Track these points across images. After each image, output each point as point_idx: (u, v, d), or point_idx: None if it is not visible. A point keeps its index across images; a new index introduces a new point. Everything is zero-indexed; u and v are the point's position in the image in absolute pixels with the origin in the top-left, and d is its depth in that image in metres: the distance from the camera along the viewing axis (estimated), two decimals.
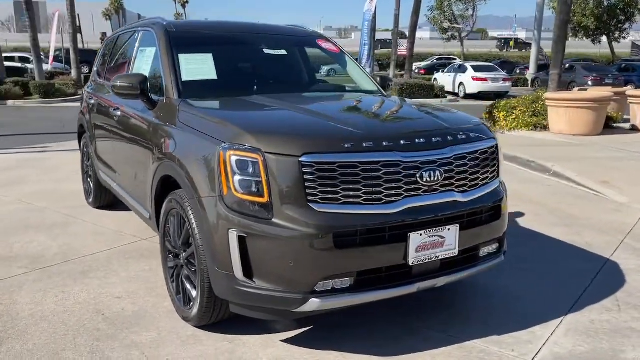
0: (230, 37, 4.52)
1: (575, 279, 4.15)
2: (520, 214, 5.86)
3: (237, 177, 2.80)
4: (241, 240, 2.78)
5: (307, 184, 2.74)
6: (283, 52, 4.58)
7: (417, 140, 3.00)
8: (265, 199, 2.76)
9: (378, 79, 4.84)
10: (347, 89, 4.55)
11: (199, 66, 4.03)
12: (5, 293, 3.80)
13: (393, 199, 2.87)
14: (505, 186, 3.58)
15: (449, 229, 3.02)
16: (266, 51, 4.47)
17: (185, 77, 3.87)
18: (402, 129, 3.24)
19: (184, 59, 3.98)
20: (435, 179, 2.96)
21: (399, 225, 2.88)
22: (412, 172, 2.90)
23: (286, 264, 2.76)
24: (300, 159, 2.74)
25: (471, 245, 3.22)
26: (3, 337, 3.21)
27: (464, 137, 3.20)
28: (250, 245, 2.78)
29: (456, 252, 3.08)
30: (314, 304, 2.79)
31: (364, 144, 2.86)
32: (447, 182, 3.03)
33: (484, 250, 3.35)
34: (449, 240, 3.03)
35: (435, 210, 2.99)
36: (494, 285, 4.00)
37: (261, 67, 4.50)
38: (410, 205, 2.89)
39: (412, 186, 2.91)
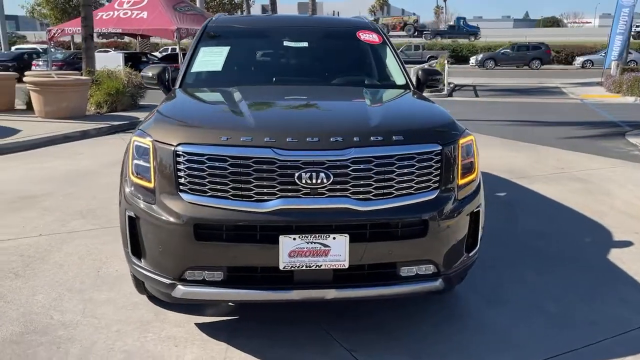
0: (259, 30, 4.66)
1: None
2: None
3: (135, 162, 3.00)
4: (131, 221, 2.98)
5: (178, 174, 2.81)
6: (304, 44, 4.54)
7: (308, 139, 2.80)
8: (152, 185, 2.91)
9: (420, 72, 4.46)
10: (366, 82, 4.31)
11: (213, 58, 4.29)
12: None
13: (265, 197, 2.75)
14: (473, 200, 3.09)
15: (334, 238, 2.76)
16: (286, 43, 4.49)
17: (195, 68, 4.18)
18: (302, 126, 3.03)
19: (203, 51, 4.29)
20: (320, 181, 2.73)
21: (270, 226, 2.75)
22: (289, 171, 2.73)
23: (157, 248, 2.89)
24: (174, 149, 2.82)
25: (379, 261, 2.88)
26: None
27: (383, 138, 2.85)
28: (138, 227, 2.97)
29: (346, 264, 2.80)
30: (179, 291, 2.86)
31: (242, 139, 2.79)
32: (338, 186, 2.76)
33: (408, 270, 2.95)
34: (336, 250, 2.77)
35: (317, 216, 2.77)
36: None
37: (277, 59, 4.55)
38: (283, 206, 2.74)
39: (289, 187, 2.74)
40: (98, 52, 22.44)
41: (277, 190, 2.75)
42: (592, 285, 3.90)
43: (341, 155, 2.76)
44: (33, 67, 23.61)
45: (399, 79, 4.38)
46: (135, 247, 3.00)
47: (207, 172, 2.77)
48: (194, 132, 2.89)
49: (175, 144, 2.82)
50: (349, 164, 2.76)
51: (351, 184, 2.77)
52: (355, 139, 2.83)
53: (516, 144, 9.69)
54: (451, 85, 21.78)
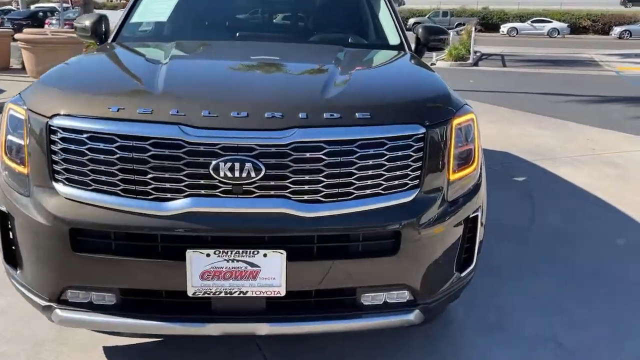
0: None
1: None
2: None
3: (9, 137, 2.22)
4: (3, 217, 2.22)
5: (53, 157, 2.03)
6: None
7: (233, 114, 1.98)
8: (26, 170, 2.13)
9: (420, 30, 3.57)
10: (350, 41, 3.43)
11: (160, 6, 3.46)
12: None
13: (168, 195, 1.95)
14: (469, 202, 2.26)
15: (265, 255, 1.96)
16: None
17: (136, 17, 3.37)
18: (227, 96, 2.21)
19: None
20: (246, 175, 1.91)
21: (173, 235, 1.96)
22: (202, 159, 1.92)
23: (31, 258, 2.13)
24: (48, 121, 2.03)
25: (332, 286, 2.08)
26: None
27: (340, 116, 2.02)
28: (12, 226, 2.20)
29: (282, 290, 2.00)
30: (56, 317, 2.11)
31: (139, 110, 1.98)
32: (273, 182, 1.95)
33: (373, 298, 2.15)
34: (269, 271, 1.98)
35: (241, 224, 1.97)
36: None
37: (243, 10, 3.70)
38: (193, 208, 1.94)
39: (202, 182, 1.94)
40: (109, 10, 21.69)
41: (184, 186, 1.94)
42: (626, 313, 3.05)
43: (278, 138, 1.94)
44: (45, 26, 22.98)
45: (393, 38, 3.50)
46: (9, 253, 2.24)
47: (89, 157, 1.97)
48: (75, 101, 2.09)
49: (49, 116, 2.03)
50: (289, 151, 1.94)
51: (292, 179, 1.96)
52: (300, 115, 1.99)
53: (543, 119, 8.69)
54: (477, 54, 20.54)
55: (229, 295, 1.99)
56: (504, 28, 39.23)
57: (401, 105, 2.18)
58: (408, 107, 2.18)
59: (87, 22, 3.39)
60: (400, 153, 2.06)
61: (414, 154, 2.09)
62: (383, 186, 2.05)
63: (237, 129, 1.93)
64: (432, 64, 17.18)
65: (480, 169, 2.46)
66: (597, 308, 3.04)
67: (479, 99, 10.41)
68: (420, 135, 2.10)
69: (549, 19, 39.44)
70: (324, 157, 1.96)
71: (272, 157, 1.93)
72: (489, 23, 42.31)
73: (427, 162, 2.12)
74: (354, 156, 1.99)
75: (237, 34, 3.42)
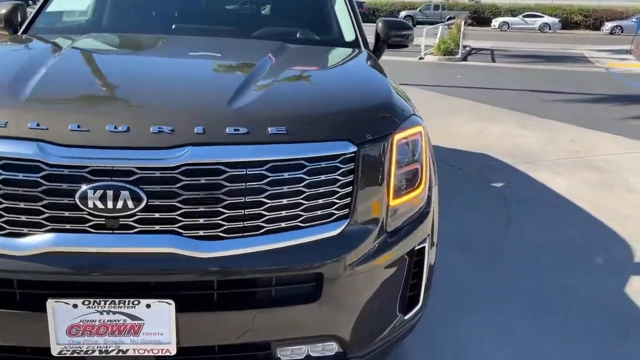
0: None
1: None
2: None
3: None
4: None
5: None
6: None
7: (108, 128, 1.58)
8: None
9: (379, 25, 3.18)
10: (298, 36, 3.03)
11: None
12: None
13: (24, 230, 1.56)
14: (415, 231, 1.89)
15: (148, 306, 1.57)
16: None
17: (53, 6, 2.94)
18: (104, 106, 1.81)
19: None
20: (121, 205, 1.52)
21: (32, 281, 1.57)
22: (66, 185, 1.53)
23: None
24: None
25: (238, 340, 1.70)
26: None
27: (248, 131, 1.63)
28: None
29: (172, 348, 1.62)
30: None
31: None
32: (158, 215, 1.56)
33: (293, 352, 1.78)
34: (153, 325, 1.60)
35: (117, 266, 1.57)
36: None
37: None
38: (55, 247, 1.55)
39: (67, 213, 1.54)
40: None
41: (44, 219, 1.55)
42: (605, 351, 2.70)
43: (163, 159, 1.55)
44: None
45: (348, 34, 3.11)
46: None
47: None
48: None
49: None
50: (178, 176, 1.55)
51: (182, 210, 1.57)
52: (196, 130, 1.60)
53: (527, 118, 8.33)
54: (467, 49, 20.14)
55: (105, 354, 1.60)
56: (496, 22, 38.85)
57: (327, 118, 1.79)
58: (335, 120, 1.79)
59: (0, 11, 2.97)
60: (323, 177, 1.68)
61: (342, 178, 1.71)
62: (302, 218, 1.67)
63: (112, 148, 1.54)
64: (421, 58, 16.77)
65: (430, 190, 2.08)
66: (575, 344, 2.68)
67: (463, 96, 10.06)
68: (350, 155, 1.72)
69: (541, 14, 39.11)
70: (224, 182, 1.57)
71: (157, 183, 1.54)
72: (480, 17, 41.87)
73: (359, 187, 1.75)
74: (264, 181, 1.61)
75: (172, 27, 3.01)
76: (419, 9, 41.63)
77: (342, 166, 1.70)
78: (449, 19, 32.29)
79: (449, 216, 4.18)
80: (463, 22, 20.39)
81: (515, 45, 24.48)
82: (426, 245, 1.99)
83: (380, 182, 1.81)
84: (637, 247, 3.80)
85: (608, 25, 36.60)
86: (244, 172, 1.58)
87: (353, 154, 1.72)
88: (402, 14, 41.30)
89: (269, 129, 1.65)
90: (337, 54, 2.80)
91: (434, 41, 17.89)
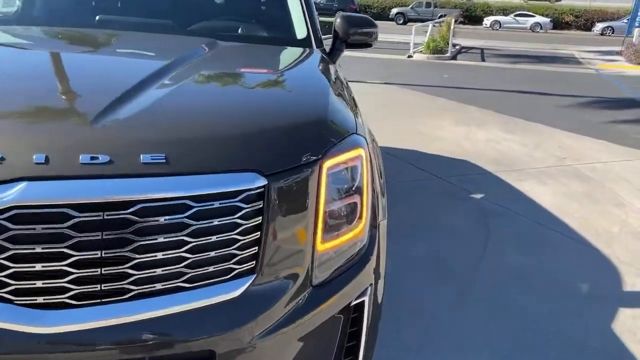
0: None
1: None
2: None
3: None
4: None
5: None
6: None
7: None
8: None
9: (338, 21, 2.75)
10: (240, 32, 2.62)
11: None
12: None
13: None
14: (351, 282, 1.50)
15: None
16: None
17: None
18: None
19: None
20: None
21: None
22: None
23: None
24: None
25: None
26: None
27: (110, 160, 1.22)
28: None
29: None
30: None
31: None
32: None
33: None
34: None
35: None
36: None
37: None
38: None
39: None
40: None
41: None
42: None
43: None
44: None
45: (300, 31, 2.68)
46: None
47: None
48: None
49: None
50: (4, 222, 1.13)
51: (11, 270, 1.14)
52: (35, 158, 1.18)
53: (513, 121, 7.97)
54: (456, 47, 19.75)
55: None
56: (487, 21, 38.50)
57: (226, 141, 1.38)
58: (238, 144, 1.38)
59: None
60: (217, 222, 1.27)
61: (245, 222, 1.30)
62: (186, 276, 1.26)
63: None
64: (409, 56, 16.35)
65: (375, 226, 1.67)
66: None
67: (449, 96, 9.68)
68: (257, 191, 1.30)
69: (532, 13, 38.79)
70: (70, 232, 1.15)
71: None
72: (472, 15, 41.50)
73: (271, 232, 1.34)
74: (130, 230, 1.19)
75: (97, 19, 2.58)
76: (410, 6, 41.17)
77: (245, 206, 1.29)
78: (440, 17, 31.95)
79: (420, 234, 3.79)
80: (453, 20, 20.00)
81: (506, 44, 24.16)
82: (366, 298, 1.58)
83: (302, 223, 1.40)
84: (626, 274, 3.41)
85: (599, 26, 36.37)
86: (101, 217, 1.16)
87: (262, 189, 1.30)
88: (394, 10, 40.85)
89: (141, 156, 1.23)
90: (277, 56, 2.39)
91: (423, 39, 17.48)
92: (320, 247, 1.46)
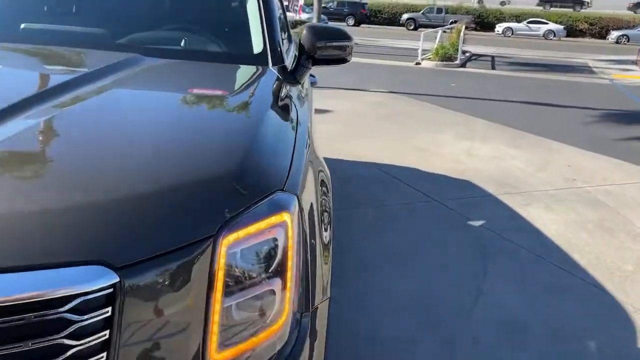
0: None
1: None
2: None
3: None
4: None
5: None
6: None
7: None
8: None
9: (304, 33, 2.32)
10: (182, 45, 2.20)
11: None
12: None
13: None
14: None
15: None
16: None
17: None
18: None
19: None
20: None
21: None
22: None
23: None
24: None
25: None
26: None
27: None
28: None
29: None
30: None
31: None
32: None
33: None
34: None
35: None
36: None
37: None
38: None
39: None
40: None
41: None
42: None
43: None
44: None
45: (256, 45, 2.26)
46: None
47: None
48: None
49: None
50: None
51: None
52: None
53: (520, 136, 7.50)
54: (467, 55, 19.28)
55: None
56: (499, 28, 37.94)
57: (60, 216, 0.95)
58: (77, 222, 0.94)
59: None
60: (29, 345, 0.83)
61: (79, 342, 0.86)
62: None
63: None
64: (417, 63, 15.91)
65: (309, 315, 1.24)
66: None
67: (455, 107, 9.24)
68: (101, 292, 0.87)
69: (546, 21, 38.18)
70: None
71: None
72: (484, 22, 40.98)
73: (127, 351, 0.90)
74: None
75: (26, 27, 2.19)
76: (421, 11, 40.71)
77: (77, 318, 0.86)
78: (452, 23, 31.50)
79: (409, 271, 3.36)
80: (464, 27, 19.52)
81: (518, 52, 23.65)
82: None
83: (183, 331, 0.97)
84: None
85: (614, 34, 35.70)
86: None
87: (111, 289, 0.88)
88: (405, 16, 40.42)
89: None
90: (205, 79, 1.95)
91: (433, 45, 17.05)
92: (216, 357, 1.04)
